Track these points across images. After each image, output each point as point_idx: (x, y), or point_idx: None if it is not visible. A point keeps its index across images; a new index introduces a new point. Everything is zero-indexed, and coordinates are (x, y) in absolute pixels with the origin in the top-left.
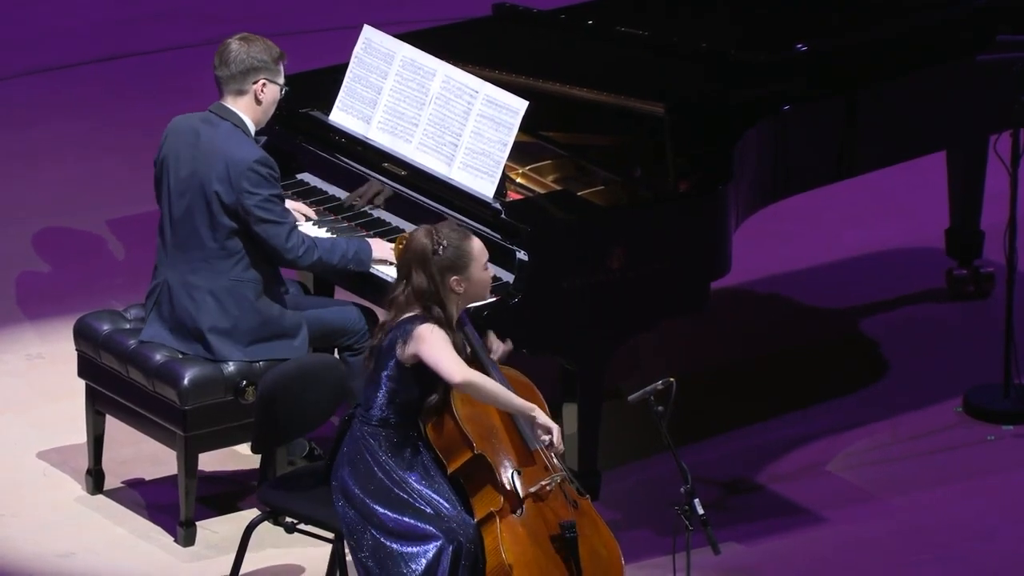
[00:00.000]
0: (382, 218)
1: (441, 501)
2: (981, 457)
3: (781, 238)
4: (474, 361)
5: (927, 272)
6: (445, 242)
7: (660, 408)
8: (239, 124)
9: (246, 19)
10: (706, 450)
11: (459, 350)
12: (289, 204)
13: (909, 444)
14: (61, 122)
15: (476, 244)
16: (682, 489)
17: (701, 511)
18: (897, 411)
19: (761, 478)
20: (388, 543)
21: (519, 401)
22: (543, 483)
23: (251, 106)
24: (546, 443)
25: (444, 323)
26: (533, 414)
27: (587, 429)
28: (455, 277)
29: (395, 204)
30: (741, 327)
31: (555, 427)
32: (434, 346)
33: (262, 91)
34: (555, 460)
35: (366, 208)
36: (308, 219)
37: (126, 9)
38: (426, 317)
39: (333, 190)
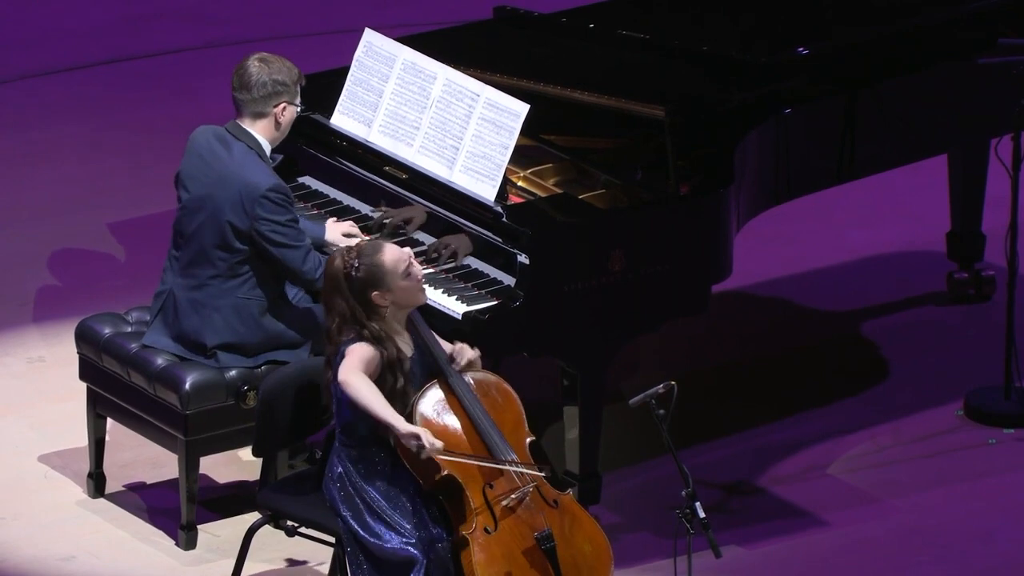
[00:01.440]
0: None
1: (416, 522)
2: (982, 460)
3: (783, 240)
4: (437, 372)
5: (928, 275)
6: (357, 262)
7: (661, 411)
8: (254, 146)
9: (246, 20)
10: (707, 452)
11: (392, 363)
12: (335, 225)
13: (910, 447)
14: (61, 123)
15: (388, 255)
16: (683, 492)
17: (702, 514)
18: (898, 414)
19: (762, 481)
20: (373, 566)
21: (385, 413)
22: (514, 496)
23: (269, 128)
24: (414, 449)
25: (375, 340)
26: (395, 426)
27: (588, 432)
28: (375, 292)
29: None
30: (742, 329)
31: (421, 431)
32: (346, 360)
33: (282, 114)
34: (524, 471)
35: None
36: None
37: (126, 10)
38: (358, 338)
39: (334, 193)
